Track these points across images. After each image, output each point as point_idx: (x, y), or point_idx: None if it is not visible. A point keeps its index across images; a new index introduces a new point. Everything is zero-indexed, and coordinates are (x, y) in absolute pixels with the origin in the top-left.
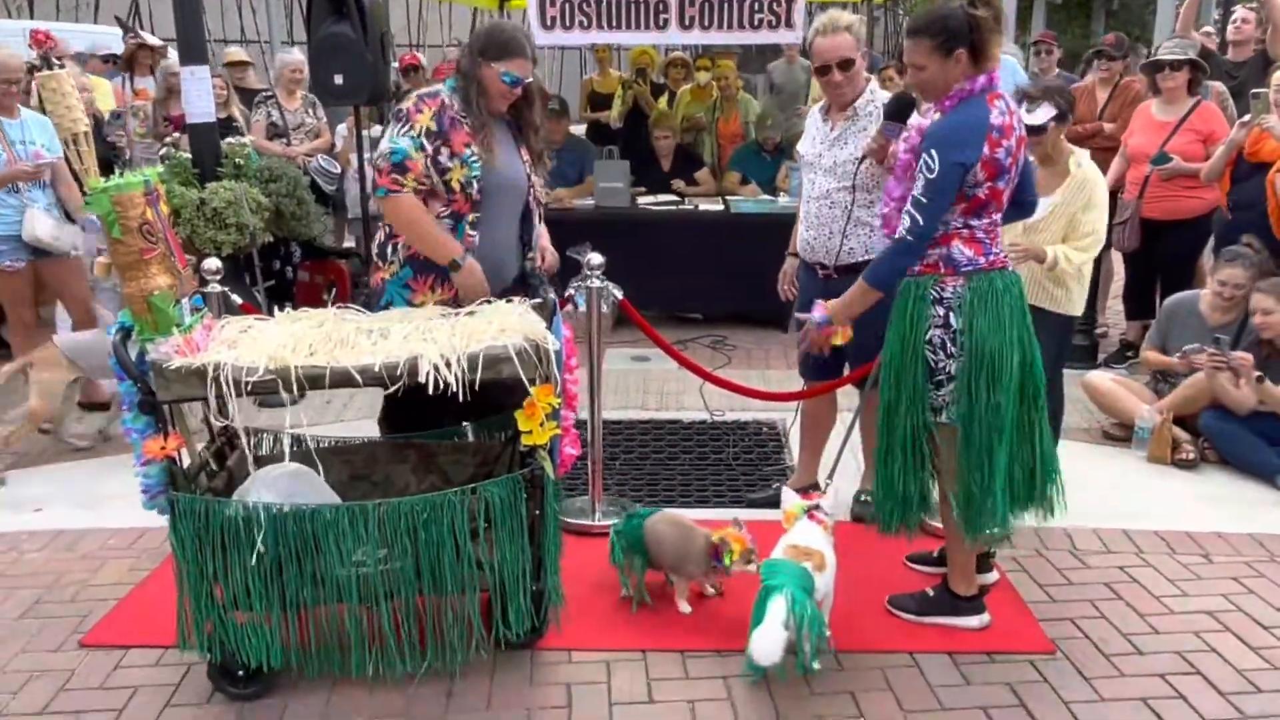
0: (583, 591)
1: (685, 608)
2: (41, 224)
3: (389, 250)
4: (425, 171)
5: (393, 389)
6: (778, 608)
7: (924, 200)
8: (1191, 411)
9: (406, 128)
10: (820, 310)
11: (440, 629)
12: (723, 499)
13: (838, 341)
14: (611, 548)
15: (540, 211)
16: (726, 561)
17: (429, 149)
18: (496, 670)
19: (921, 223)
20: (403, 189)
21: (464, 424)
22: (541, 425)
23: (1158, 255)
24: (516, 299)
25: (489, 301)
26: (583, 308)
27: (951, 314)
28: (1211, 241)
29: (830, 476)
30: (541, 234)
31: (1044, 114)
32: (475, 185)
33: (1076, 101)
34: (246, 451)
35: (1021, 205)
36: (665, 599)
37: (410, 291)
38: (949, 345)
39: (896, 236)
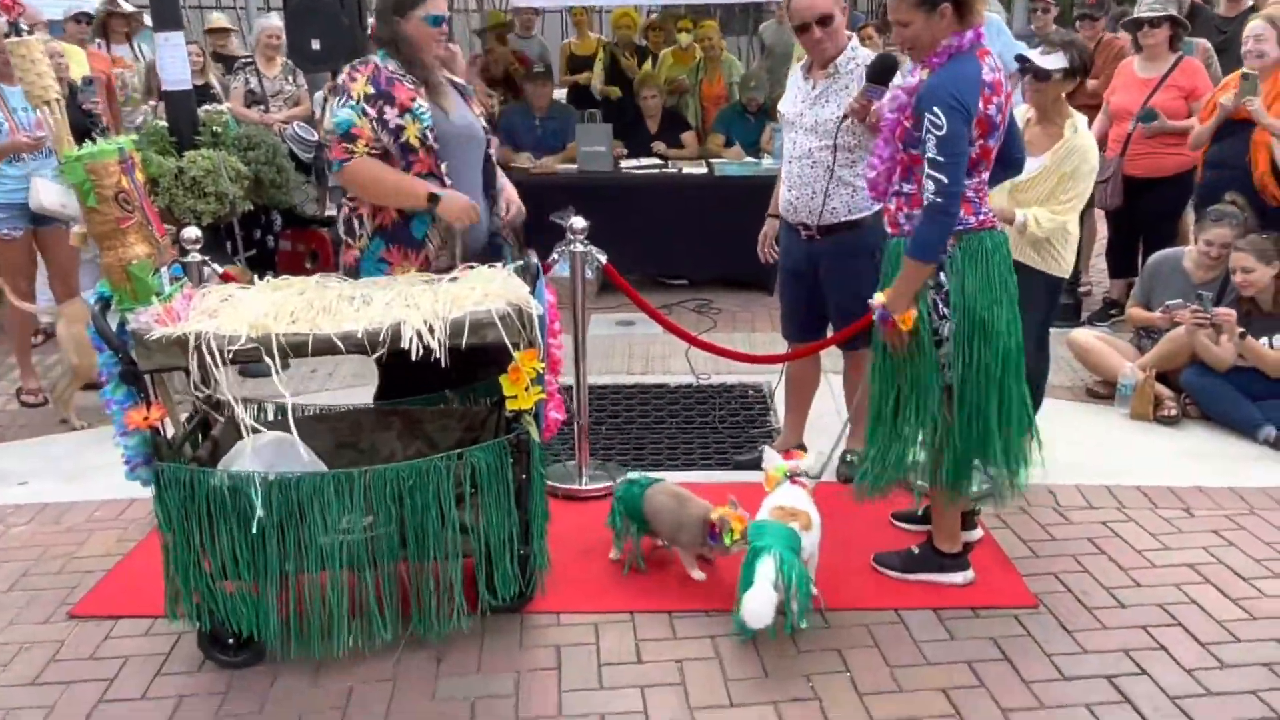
0: (570, 555)
1: (697, 574)
2: (48, 192)
3: (355, 225)
4: (374, 135)
5: (378, 356)
6: (767, 569)
7: (942, 159)
8: (1173, 367)
9: (344, 99)
10: (878, 306)
11: (423, 596)
12: (709, 462)
13: (904, 329)
14: (612, 511)
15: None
16: (726, 541)
17: (371, 113)
18: (486, 635)
19: (947, 181)
20: (355, 155)
21: (446, 391)
22: (526, 390)
23: (1140, 213)
24: (501, 265)
25: (471, 267)
26: (566, 273)
27: (942, 273)
28: (1193, 199)
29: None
30: (505, 185)
31: (1055, 62)
32: (431, 135)
33: (1092, 66)
34: (242, 419)
35: (1009, 163)
36: (655, 563)
37: (387, 265)
38: (940, 306)
39: (926, 203)
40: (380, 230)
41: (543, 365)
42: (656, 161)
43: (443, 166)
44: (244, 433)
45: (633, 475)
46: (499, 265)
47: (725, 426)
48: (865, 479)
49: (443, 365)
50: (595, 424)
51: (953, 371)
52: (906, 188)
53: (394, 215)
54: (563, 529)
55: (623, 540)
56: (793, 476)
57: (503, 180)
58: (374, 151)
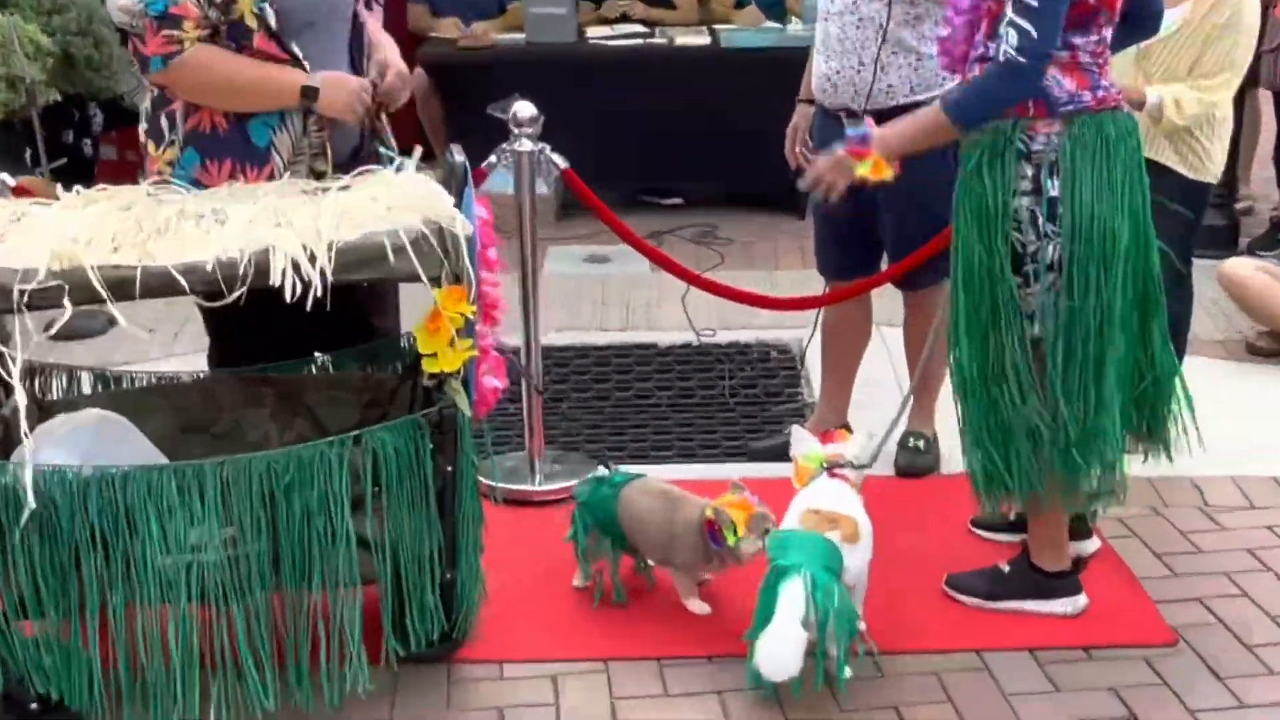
0: (519, 582)
1: (698, 606)
2: None
3: (162, 125)
4: (202, 11)
5: (225, 303)
6: (793, 597)
7: (1034, 2)
8: None
9: None
10: (863, 132)
11: (304, 642)
12: (714, 451)
13: (867, 174)
14: (575, 521)
15: (375, 24)
16: (730, 540)
17: None
18: (398, 694)
19: (1036, 35)
20: (184, 45)
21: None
22: (451, 345)
23: None
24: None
25: (370, 170)
26: (508, 185)
27: (1044, 175)
28: None
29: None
30: (380, 44)
31: None
32: (270, 8)
33: None
34: (22, 401)
35: (1142, 18)
36: (638, 592)
37: (201, 189)
38: (1040, 220)
39: (1002, 58)
40: (196, 137)
41: (473, 310)
42: (638, 29)
43: (294, 50)
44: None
45: (603, 471)
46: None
47: (738, 401)
48: (977, 479)
49: (314, 311)
50: (554, 399)
51: (1053, 314)
52: (995, 51)
53: (219, 115)
54: (507, 546)
55: (591, 561)
56: (832, 468)
57: (374, 36)
58: (205, 33)
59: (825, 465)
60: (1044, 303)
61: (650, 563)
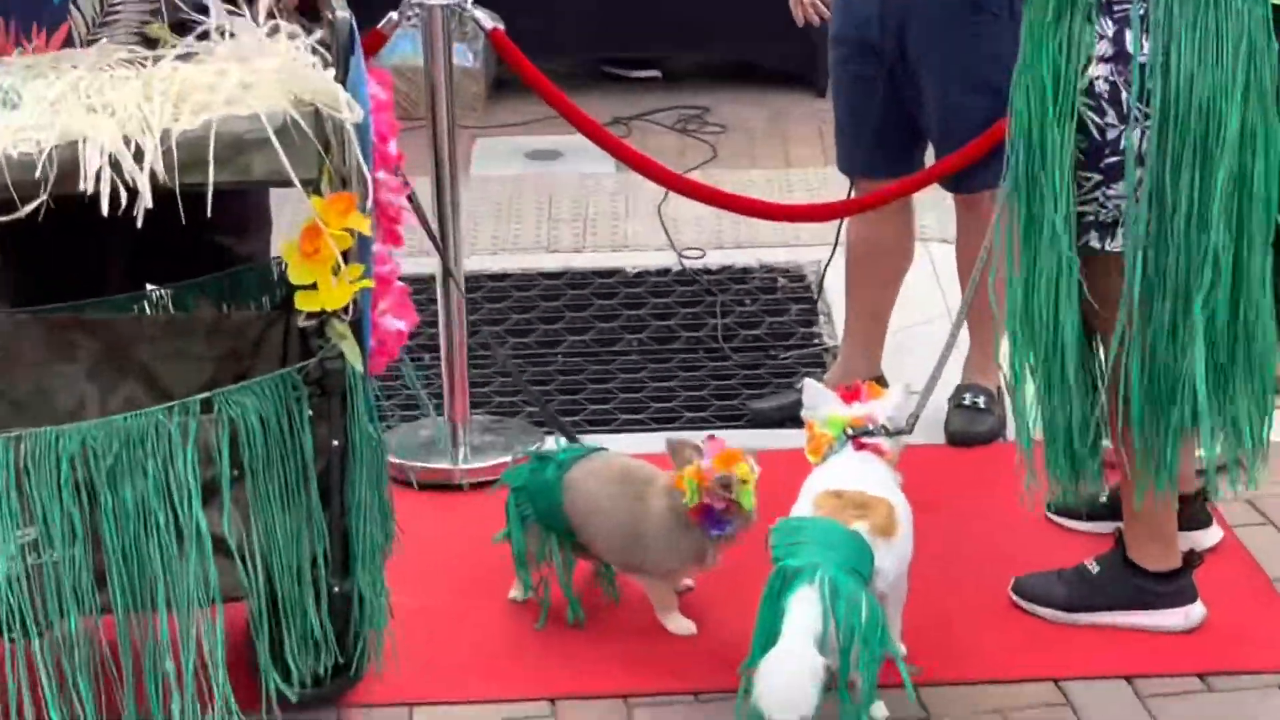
0: (436, 596)
1: (679, 626)
2: None
3: None
4: None
5: (18, 217)
6: (805, 611)
7: None
8: None
9: None
10: None
11: (146, 682)
12: (702, 411)
13: None
14: (510, 513)
15: None
16: (746, 504)
17: None
18: None
19: None
20: None
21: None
22: (336, 274)
23: None
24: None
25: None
26: (418, 53)
27: (1129, 33)
28: None
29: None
30: None
31: None
32: None
33: None
34: None
35: None
36: (596, 609)
37: None
38: (1123, 94)
39: None
40: None
41: (368, 225)
42: None
43: None
44: None
45: (548, 447)
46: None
47: (734, 346)
48: (1055, 467)
49: (145, 230)
50: (485, 347)
51: (1135, 223)
52: None
53: None
54: (422, 547)
55: (532, 568)
56: (859, 436)
57: None
58: None
59: (850, 432)
60: (1128, 210)
61: (611, 568)
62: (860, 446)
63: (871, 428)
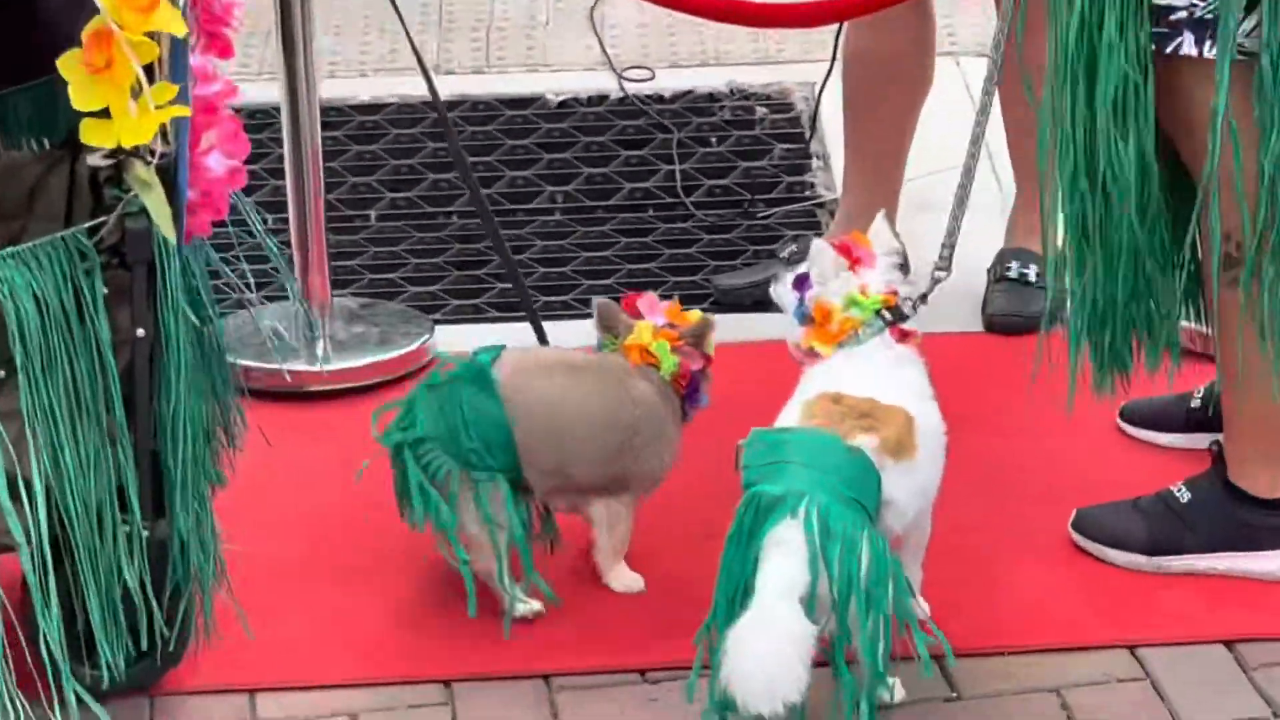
0: (286, 543)
1: (624, 581)
2: None
3: None
4: None
5: None
6: (784, 553)
7: None
8: None
9: None
10: None
11: None
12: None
13: None
14: (400, 471)
15: None
16: (663, 369)
17: None
18: None
19: None
20: None
21: None
22: (136, 95)
23: None
24: None
25: None
26: None
27: None
28: None
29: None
30: None
31: None
32: None
33: None
34: None
35: None
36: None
37: None
38: None
39: None
40: None
41: (182, 27)
42: None
43: None
44: None
45: (467, 357)
46: None
47: (695, 199)
48: (1079, 336)
49: None
50: (355, 207)
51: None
52: None
53: None
54: (267, 476)
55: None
56: (898, 321)
57: None
58: None
59: (888, 317)
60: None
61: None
62: (903, 336)
63: (906, 310)
